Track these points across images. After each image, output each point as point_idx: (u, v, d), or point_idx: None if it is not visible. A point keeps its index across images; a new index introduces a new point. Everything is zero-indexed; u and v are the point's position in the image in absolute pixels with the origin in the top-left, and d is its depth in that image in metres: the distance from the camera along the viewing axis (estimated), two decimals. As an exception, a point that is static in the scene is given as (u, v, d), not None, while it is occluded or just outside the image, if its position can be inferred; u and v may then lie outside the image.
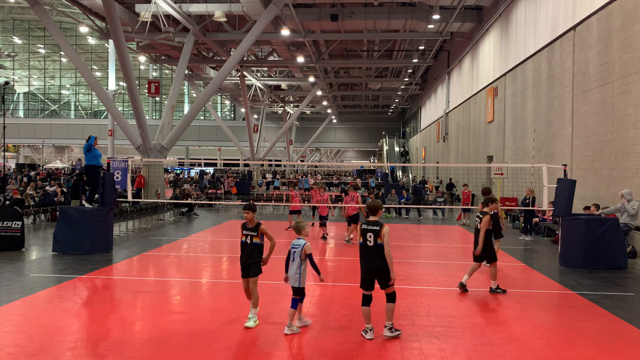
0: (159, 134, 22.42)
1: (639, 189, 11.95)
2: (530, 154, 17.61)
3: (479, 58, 27.12)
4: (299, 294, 6.43)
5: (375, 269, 6.10)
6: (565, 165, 12.48)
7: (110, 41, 36.38)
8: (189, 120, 22.63)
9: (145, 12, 21.90)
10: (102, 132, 49.01)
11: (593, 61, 14.32)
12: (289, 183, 39.24)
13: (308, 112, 64.49)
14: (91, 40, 58.16)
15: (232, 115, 69.00)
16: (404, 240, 14.82)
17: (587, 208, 13.25)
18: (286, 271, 6.54)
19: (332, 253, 12.68)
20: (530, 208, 15.10)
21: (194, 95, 57.31)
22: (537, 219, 16.10)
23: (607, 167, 13.49)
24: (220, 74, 22.03)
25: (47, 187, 22.16)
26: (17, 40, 60.51)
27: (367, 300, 6.19)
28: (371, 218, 6.23)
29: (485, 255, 8.58)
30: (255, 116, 57.37)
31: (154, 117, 62.50)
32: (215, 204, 26.33)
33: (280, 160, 62.86)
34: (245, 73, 36.53)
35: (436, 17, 24.34)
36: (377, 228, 6.07)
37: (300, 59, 31.73)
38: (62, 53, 60.75)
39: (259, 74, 41.63)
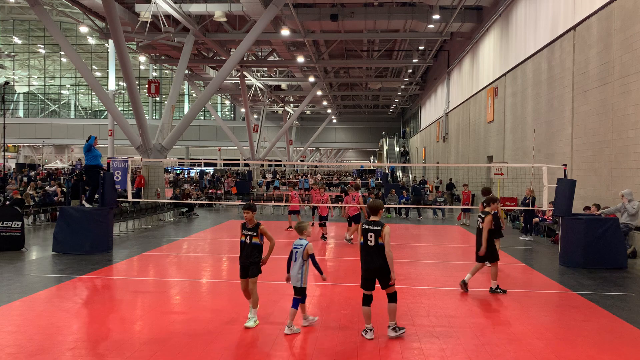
0: (159, 134, 22.42)
1: (639, 189, 11.95)
2: (530, 154, 17.61)
3: (479, 58, 27.12)
4: (300, 294, 6.43)
5: (376, 268, 6.10)
6: (565, 165, 12.48)
7: (110, 41, 36.38)
8: (189, 120, 22.64)
9: (145, 12, 21.90)
10: (102, 132, 49.01)
11: (593, 61, 14.32)
12: (288, 183, 39.26)
13: (308, 112, 64.49)
14: (91, 40, 58.16)
15: (232, 115, 69.00)
16: (404, 240, 14.82)
17: (587, 208, 13.25)
18: (288, 271, 6.55)
19: (332, 253, 12.68)
20: (530, 208, 15.10)
21: (194, 95, 57.31)
22: (537, 219, 16.10)
23: (607, 167, 13.49)
24: (220, 74, 22.03)
25: (47, 187, 22.17)
26: (17, 40, 60.51)
27: (367, 300, 6.20)
28: (372, 218, 6.24)
29: (488, 255, 8.57)
30: (255, 116, 57.37)
31: (154, 117, 62.50)
32: (215, 204, 26.33)
33: (280, 160, 62.86)
34: (245, 73, 36.53)
35: (436, 17, 24.34)
36: (378, 228, 6.08)
37: (300, 59, 31.73)
38: (62, 53, 60.75)
39: (259, 74, 41.63)
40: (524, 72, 20.08)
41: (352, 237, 14.15)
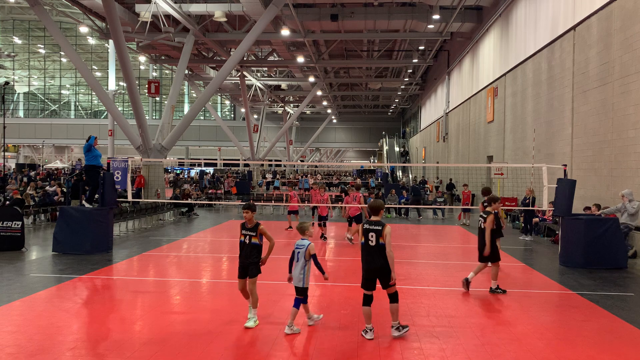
0: (159, 134, 22.42)
1: (639, 189, 11.95)
2: (530, 154, 17.61)
3: (479, 58, 27.12)
4: (302, 294, 6.44)
5: (376, 268, 6.11)
6: (565, 165, 12.48)
7: (110, 41, 36.38)
8: (189, 120, 22.64)
9: (145, 12, 21.90)
10: (102, 132, 49.00)
11: (593, 61, 14.32)
12: (288, 183, 39.26)
13: (308, 112, 64.49)
14: (91, 40, 58.16)
15: (232, 115, 69.00)
16: (404, 240, 14.82)
17: (587, 208, 13.24)
18: (290, 271, 6.55)
19: (332, 253, 12.68)
20: (530, 208, 15.10)
21: (194, 95, 57.31)
22: (537, 219, 16.10)
23: (607, 167, 13.49)
24: (220, 74, 22.03)
25: (47, 187, 22.17)
26: (17, 40, 60.52)
27: (368, 300, 6.20)
28: (373, 218, 6.25)
29: (490, 254, 8.57)
30: (255, 116, 57.37)
31: (154, 117, 62.50)
32: (215, 204, 26.33)
33: (280, 160, 62.86)
34: (245, 73, 36.53)
35: (436, 17, 24.34)
36: (379, 228, 6.09)
37: (300, 59, 31.73)
38: (62, 53, 60.75)
39: (259, 74, 41.63)
40: (524, 72, 20.08)
41: (352, 236, 14.14)
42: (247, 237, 6.60)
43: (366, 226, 6.21)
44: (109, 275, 9.62)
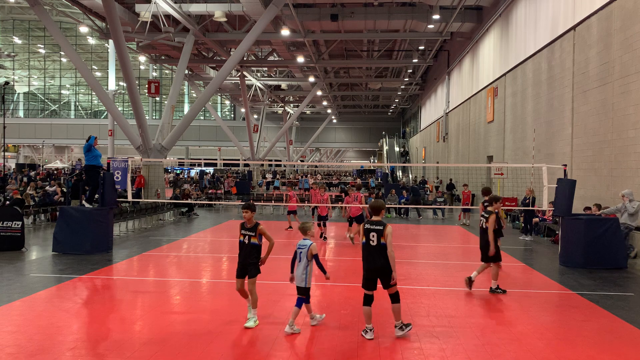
0: (159, 134, 22.42)
1: (639, 189, 11.95)
2: (530, 154, 17.61)
3: (479, 58, 27.12)
4: (304, 293, 6.44)
5: (377, 268, 6.12)
6: (565, 165, 12.48)
7: (110, 41, 36.38)
8: (189, 120, 22.64)
9: (145, 12, 21.90)
10: (102, 132, 49.00)
11: (593, 61, 14.32)
12: (288, 183, 39.26)
13: (308, 112, 64.49)
14: (91, 40, 58.16)
15: (232, 115, 69.00)
16: (404, 240, 14.82)
17: (587, 208, 13.24)
18: (292, 271, 6.55)
19: (332, 253, 12.68)
20: (530, 208, 15.10)
21: (194, 95, 57.31)
22: (537, 219, 16.10)
23: (607, 167, 13.49)
24: (220, 74, 22.03)
25: (47, 187, 22.17)
26: (17, 40, 60.51)
27: (368, 300, 6.20)
28: (374, 218, 6.26)
29: (490, 254, 8.56)
30: (255, 116, 57.37)
31: (154, 117, 62.50)
32: (215, 204, 26.33)
33: (280, 160, 62.86)
34: (245, 73, 36.53)
35: (436, 17, 24.35)
36: (381, 228, 6.10)
37: (300, 59, 31.73)
38: (62, 53, 60.76)
39: (259, 74, 41.63)
40: (524, 72, 20.08)
41: (353, 235, 14.10)
42: (247, 237, 6.60)
43: (367, 226, 6.22)
44: (109, 275, 9.62)
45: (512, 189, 20.05)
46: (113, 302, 7.75)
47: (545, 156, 17.41)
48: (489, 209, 8.85)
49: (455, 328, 6.65)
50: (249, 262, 6.57)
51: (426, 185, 35.32)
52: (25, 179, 30.74)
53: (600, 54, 13.93)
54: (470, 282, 8.66)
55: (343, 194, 23.88)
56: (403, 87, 47.26)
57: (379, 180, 40.61)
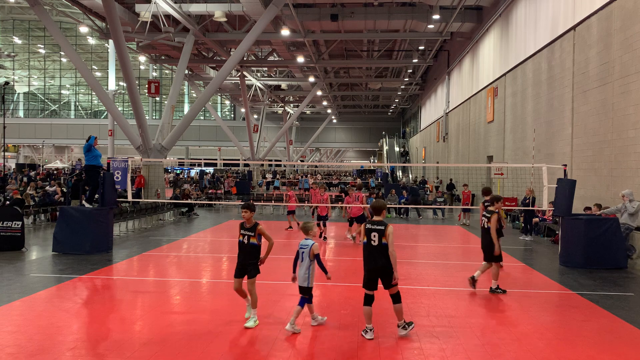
0: (159, 134, 22.42)
1: (639, 189, 11.95)
2: (530, 154, 17.61)
3: (479, 58, 27.12)
4: (307, 293, 6.45)
5: (378, 268, 6.13)
6: (565, 165, 12.48)
7: (110, 41, 36.38)
8: (189, 120, 22.64)
9: (145, 12, 21.90)
10: (102, 132, 49.01)
11: (593, 61, 14.32)
12: (288, 183, 39.27)
13: (308, 112, 64.49)
14: (91, 40, 58.16)
15: (232, 115, 69.00)
16: (404, 240, 14.82)
17: (587, 208, 13.23)
18: (294, 271, 6.56)
19: (332, 253, 12.68)
20: (530, 208, 15.10)
21: (194, 95, 57.31)
22: (537, 219, 16.09)
23: (607, 167, 13.49)
24: (220, 74, 22.03)
25: (47, 187, 22.17)
26: (17, 40, 60.51)
27: (369, 300, 6.20)
28: (375, 218, 6.27)
29: (492, 254, 8.57)
30: (255, 116, 57.37)
31: (154, 117, 62.49)
32: (215, 204, 26.33)
33: (280, 160, 62.87)
34: (245, 73, 36.53)
35: (436, 17, 24.34)
36: (382, 228, 6.11)
37: (300, 59, 31.73)
38: (62, 53, 60.76)
39: (259, 74, 41.63)
40: (524, 72, 20.08)
41: (355, 235, 14.05)
42: (246, 237, 6.59)
43: (369, 226, 6.22)
44: (109, 275, 9.62)
45: (512, 189, 20.05)
46: (113, 302, 7.75)
47: (545, 156, 17.41)
48: (490, 208, 8.85)
49: (455, 328, 6.65)
50: (249, 262, 6.57)
51: (426, 185, 35.31)
52: (25, 179, 30.74)
53: (600, 54, 13.93)
54: (473, 281, 8.68)
55: (343, 194, 23.88)
56: (403, 87, 47.26)
57: (379, 180, 40.60)
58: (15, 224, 11.92)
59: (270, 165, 60.63)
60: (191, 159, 68.84)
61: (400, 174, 48.27)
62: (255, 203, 20.82)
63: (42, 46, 62.72)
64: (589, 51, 14.54)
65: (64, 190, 20.27)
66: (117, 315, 7.03)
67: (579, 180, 12.87)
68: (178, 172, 56.43)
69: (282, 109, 55.29)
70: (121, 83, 54.78)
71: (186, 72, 34.01)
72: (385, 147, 58.94)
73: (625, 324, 6.92)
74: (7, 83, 23.09)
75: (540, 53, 18.33)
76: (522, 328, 6.70)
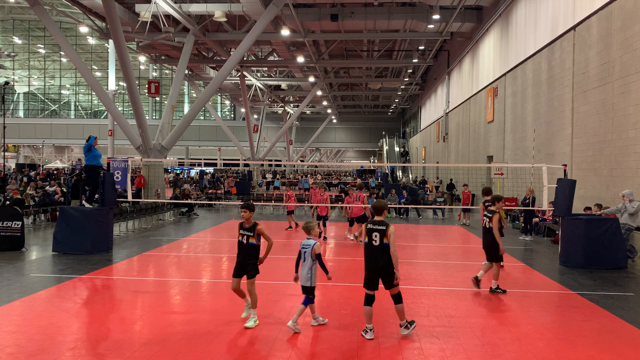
0: (159, 134, 22.42)
1: (639, 189, 11.95)
2: (530, 154, 17.61)
3: (479, 58, 27.13)
4: (310, 293, 6.45)
5: (380, 268, 6.13)
6: (565, 165, 12.48)
7: (110, 41, 36.38)
8: (189, 120, 22.64)
9: (145, 12, 21.90)
10: (102, 132, 49.00)
11: (593, 61, 14.32)
12: (288, 183, 39.27)
13: (308, 112, 64.49)
14: (91, 40, 58.15)
15: (232, 115, 69.00)
16: (404, 240, 14.82)
17: (588, 208, 13.23)
18: (296, 271, 6.56)
19: (332, 253, 12.67)
20: (530, 208, 15.10)
21: (194, 95, 57.31)
22: (537, 219, 16.10)
23: (607, 167, 13.49)
24: (220, 74, 22.03)
25: (47, 187, 22.17)
26: (17, 40, 60.51)
27: (369, 300, 6.21)
28: (376, 218, 6.27)
29: (494, 254, 8.58)
30: (255, 116, 57.37)
31: (154, 117, 62.49)
32: (215, 204, 26.33)
33: (280, 160, 62.87)
34: (245, 73, 36.53)
35: (436, 17, 24.34)
36: (384, 228, 6.11)
37: (300, 59, 31.73)
38: (62, 53, 60.75)
39: (259, 74, 41.63)
40: (524, 72, 20.08)
41: (358, 234, 14.01)
42: (245, 237, 6.59)
43: (370, 226, 6.23)
44: (109, 275, 9.62)
45: (512, 189, 20.05)
46: (113, 302, 7.75)
47: (545, 156, 17.41)
48: (491, 208, 8.85)
49: (455, 328, 6.65)
50: (248, 262, 6.57)
51: (426, 185, 35.31)
52: (25, 179, 30.74)
53: (600, 54, 13.93)
54: (477, 281, 8.69)
55: (343, 194, 23.87)
56: (403, 87, 47.26)
57: (379, 180, 40.60)
58: (15, 224, 11.92)
59: (270, 165, 60.63)
60: (191, 159, 68.84)
61: (400, 174, 48.27)
62: (255, 203, 20.85)
63: (42, 46, 62.72)
64: (589, 51, 14.54)
65: (64, 190, 20.27)
66: (117, 315, 7.03)
67: (579, 180, 12.87)
68: (178, 172, 56.43)
69: (282, 109, 55.29)
70: (121, 83, 54.78)
71: (186, 72, 34.00)
72: (385, 147, 58.94)
73: (625, 324, 6.92)
74: (7, 83, 23.09)
75: (540, 53, 18.33)
76: (522, 328, 6.70)
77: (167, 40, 25.48)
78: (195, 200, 25.49)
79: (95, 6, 22.85)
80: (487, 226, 8.68)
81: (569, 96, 15.79)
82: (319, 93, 46.07)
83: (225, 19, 23.84)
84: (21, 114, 70.30)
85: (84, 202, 12.87)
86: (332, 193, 28.68)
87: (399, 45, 33.73)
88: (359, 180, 38.12)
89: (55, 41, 46.39)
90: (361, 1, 24.44)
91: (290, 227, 16.99)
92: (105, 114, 63.30)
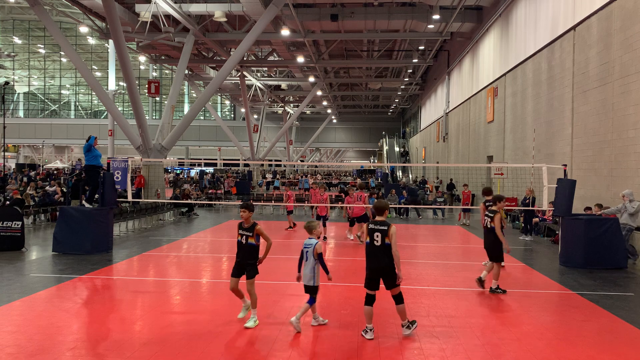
0: (159, 134, 22.42)
1: (639, 189, 11.95)
2: (530, 154, 17.61)
3: (479, 58, 27.13)
4: (314, 292, 6.46)
5: (381, 268, 6.13)
6: (565, 165, 12.48)
7: (110, 41, 36.38)
8: (189, 120, 22.64)
9: (145, 12, 21.90)
10: (102, 132, 49.00)
11: (593, 61, 14.32)
12: (288, 183, 39.26)
13: (308, 112, 64.48)
14: (91, 40, 58.15)
15: (232, 115, 69.00)
16: (404, 240, 14.82)
17: (588, 208, 13.23)
18: (299, 270, 6.57)
19: (332, 253, 12.67)
20: (530, 208, 15.10)
21: (194, 95, 57.31)
22: (537, 219, 16.09)
23: (607, 167, 13.49)
24: (220, 74, 22.03)
25: (47, 187, 22.17)
26: (17, 40, 60.51)
27: (370, 300, 6.20)
28: (378, 218, 6.28)
29: (495, 254, 8.58)
30: (255, 116, 57.37)
31: (154, 117, 62.49)
32: (215, 204, 26.33)
33: (280, 160, 62.87)
34: (245, 73, 36.53)
35: (436, 17, 24.34)
36: (385, 228, 6.11)
37: (300, 59, 31.73)
38: (62, 53, 60.75)
39: (259, 74, 41.63)
40: (524, 72, 20.08)
41: (360, 234, 13.96)
42: (244, 237, 6.59)
43: (371, 226, 6.23)
44: (109, 275, 9.62)
45: (512, 189, 20.05)
46: (113, 302, 7.75)
47: (545, 156, 17.41)
48: (492, 208, 8.86)
49: (455, 328, 6.65)
50: (247, 262, 6.58)
51: (426, 186, 35.31)
52: (25, 179, 30.73)
53: (600, 54, 13.93)
54: (481, 282, 8.70)
55: (343, 194, 23.87)
56: (403, 87, 47.26)
57: (379, 180, 40.60)
58: (15, 224, 11.92)
59: (270, 165, 60.64)
60: (191, 159, 68.84)
61: (400, 174, 48.27)
62: (255, 203, 20.86)
63: (42, 46, 62.72)
64: (589, 51, 14.54)
65: (64, 190, 20.27)
66: (117, 315, 7.03)
67: (579, 180, 12.87)
68: (178, 172, 56.43)
69: (282, 109, 55.29)
70: (121, 83, 54.78)
71: (186, 72, 34.01)
72: (385, 147, 58.94)
73: (625, 324, 6.92)
74: (7, 83, 23.08)
75: (540, 53, 18.33)
76: (522, 328, 6.70)
77: (167, 40, 25.48)
78: (195, 200, 25.49)
79: (95, 6, 22.85)
80: (489, 226, 8.69)
81: (569, 96, 15.80)
82: (319, 93, 46.07)
83: (225, 19, 23.84)
84: (21, 114, 70.31)
85: (84, 202, 12.87)
86: (332, 193, 28.68)
87: (399, 45, 33.73)
88: (359, 180, 38.10)
89: (55, 41, 46.38)
90: (361, 1, 24.44)
91: (290, 227, 16.99)
92: (105, 114, 63.31)
